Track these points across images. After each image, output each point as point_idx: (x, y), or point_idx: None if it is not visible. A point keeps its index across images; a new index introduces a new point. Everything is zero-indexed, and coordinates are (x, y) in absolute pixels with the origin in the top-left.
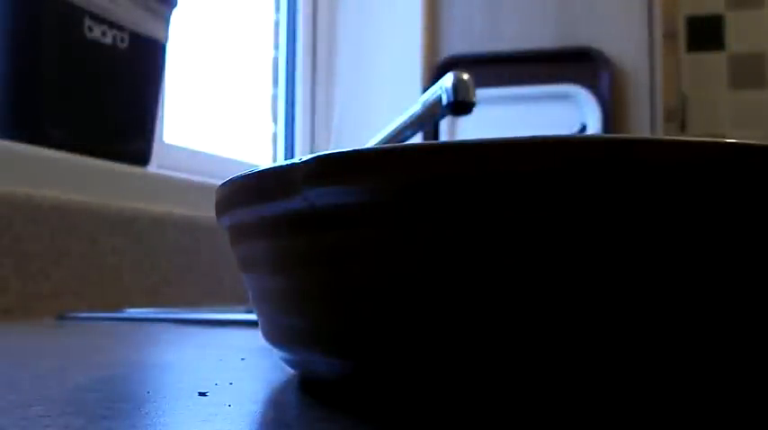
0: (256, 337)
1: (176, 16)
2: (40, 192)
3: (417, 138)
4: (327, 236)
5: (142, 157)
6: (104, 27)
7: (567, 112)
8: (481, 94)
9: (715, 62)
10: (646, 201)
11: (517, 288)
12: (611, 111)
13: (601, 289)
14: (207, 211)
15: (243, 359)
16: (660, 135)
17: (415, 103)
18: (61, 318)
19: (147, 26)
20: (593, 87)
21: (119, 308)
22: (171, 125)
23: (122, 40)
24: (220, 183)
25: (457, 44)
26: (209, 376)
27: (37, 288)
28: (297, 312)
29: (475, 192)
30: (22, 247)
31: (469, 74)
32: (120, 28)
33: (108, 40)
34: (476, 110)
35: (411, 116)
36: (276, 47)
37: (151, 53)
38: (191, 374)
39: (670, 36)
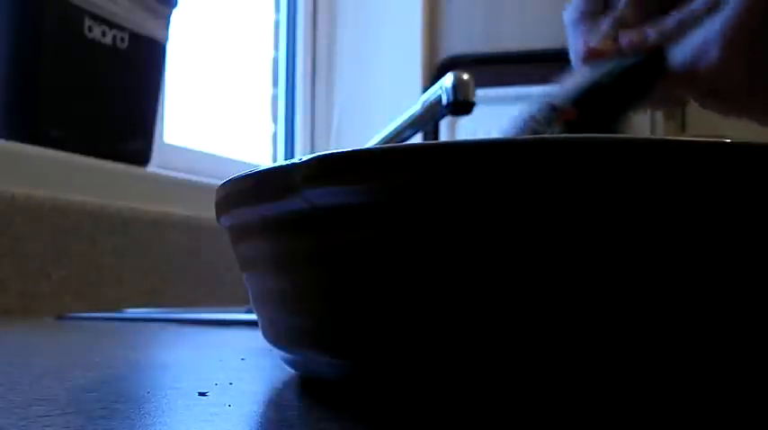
0: (256, 337)
1: (176, 16)
2: (39, 193)
3: (417, 138)
4: (327, 236)
5: (142, 157)
6: (104, 27)
7: None
8: (481, 94)
9: None
10: (646, 202)
11: (519, 288)
12: None
13: (599, 290)
14: (207, 211)
15: (243, 359)
16: (660, 135)
17: (415, 103)
18: (61, 318)
19: (147, 26)
20: None
21: (118, 308)
22: (171, 125)
23: (122, 40)
24: (220, 183)
25: (457, 44)
26: (209, 376)
27: (37, 288)
28: (297, 312)
29: (475, 192)
30: (22, 247)
31: (469, 74)
32: (120, 28)
33: (108, 40)
34: (476, 110)
35: (411, 116)
36: (276, 47)
37: (151, 53)
38: (190, 374)
39: None
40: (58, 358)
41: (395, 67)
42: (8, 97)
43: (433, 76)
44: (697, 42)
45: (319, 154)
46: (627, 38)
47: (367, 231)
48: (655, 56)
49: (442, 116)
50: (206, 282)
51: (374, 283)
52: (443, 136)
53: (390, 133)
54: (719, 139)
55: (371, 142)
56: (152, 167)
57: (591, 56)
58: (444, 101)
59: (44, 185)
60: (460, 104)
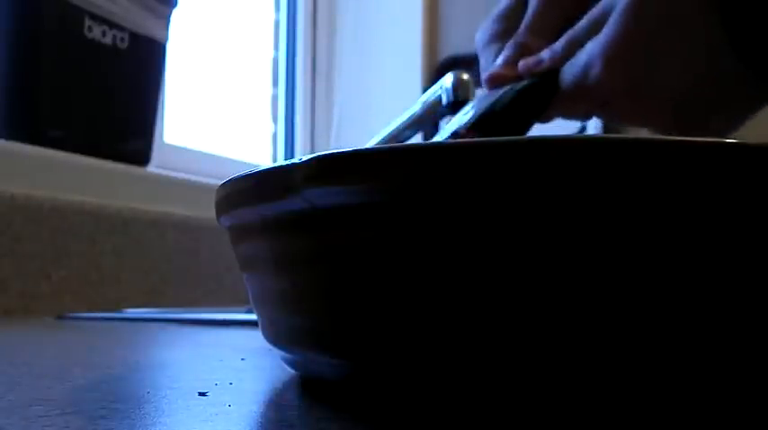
0: (256, 337)
1: (176, 16)
2: (39, 193)
3: (417, 139)
4: (327, 236)
5: (142, 157)
6: (104, 27)
7: None
8: (481, 94)
9: None
10: (645, 202)
11: (519, 289)
12: None
13: (599, 290)
14: (207, 212)
15: (243, 359)
16: (660, 135)
17: (415, 103)
18: (61, 317)
19: (147, 26)
20: None
21: (118, 308)
22: (171, 125)
23: (122, 40)
24: (220, 183)
25: (457, 44)
26: (209, 376)
27: (37, 288)
28: (297, 312)
29: (474, 193)
30: (22, 247)
31: (469, 74)
32: (120, 28)
33: (108, 40)
34: None
35: (411, 116)
36: (276, 47)
37: (151, 53)
38: (191, 374)
39: None
40: (58, 358)
41: (395, 67)
42: (8, 97)
43: (433, 76)
44: (582, 60)
45: (319, 154)
46: (524, 63)
47: (367, 231)
48: (548, 77)
49: (442, 116)
50: (206, 282)
51: (374, 283)
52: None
53: (390, 133)
54: (719, 140)
55: (371, 142)
56: (152, 167)
57: (493, 81)
58: (444, 101)
59: (44, 185)
60: (460, 104)
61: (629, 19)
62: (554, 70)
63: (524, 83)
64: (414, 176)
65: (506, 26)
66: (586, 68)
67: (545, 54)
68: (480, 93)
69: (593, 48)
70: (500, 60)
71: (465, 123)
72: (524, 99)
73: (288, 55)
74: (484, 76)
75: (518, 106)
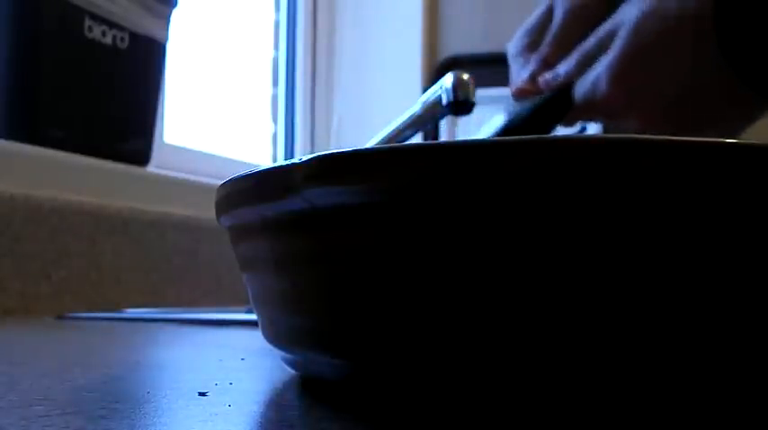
0: (256, 337)
1: (176, 16)
2: (39, 193)
3: (417, 139)
4: (327, 236)
5: (142, 157)
6: (104, 27)
7: None
8: (481, 94)
9: None
10: (645, 203)
11: (520, 289)
12: None
13: (601, 291)
14: (206, 212)
15: (243, 359)
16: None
17: (415, 103)
18: (61, 317)
19: (147, 26)
20: None
21: (118, 308)
22: (171, 125)
23: (122, 40)
24: (220, 183)
25: (457, 44)
26: (209, 376)
27: (37, 288)
28: (297, 312)
29: (474, 193)
30: (21, 247)
31: (469, 74)
32: (121, 28)
33: (108, 40)
34: (476, 110)
35: (411, 116)
36: (276, 47)
37: (151, 53)
38: (190, 374)
39: None
40: (58, 358)
41: (395, 67)
42: (7, 97)
43: (433, 76)
44: (590, 78)
45: (319, 154)
46: (543, 79)
47: (367, 231)
48: (563, 91)
49: (442, 116)
50: (206, 282)
51: (374, 284)
52: (443, 136)
53: (390, 133)
54: (719, 140)
55: (371, 142)
56: (151, 167)
57: (519, 94)
58: (444, 101)
59: (43, 185)
60: (460, 104)
61: (633, 40)
62: (567, 86)
63: (542, 97)
64: (414, 176)
65: (534, 39)
66: (594, 86)
67: (561, 69)
68: (504, 110)
69: (600, 67)
70: (526, 74)
71: (491, 135)
72: (542, 112)
73: (288, 55)
74: (511, 88)
75: (537, 118)
